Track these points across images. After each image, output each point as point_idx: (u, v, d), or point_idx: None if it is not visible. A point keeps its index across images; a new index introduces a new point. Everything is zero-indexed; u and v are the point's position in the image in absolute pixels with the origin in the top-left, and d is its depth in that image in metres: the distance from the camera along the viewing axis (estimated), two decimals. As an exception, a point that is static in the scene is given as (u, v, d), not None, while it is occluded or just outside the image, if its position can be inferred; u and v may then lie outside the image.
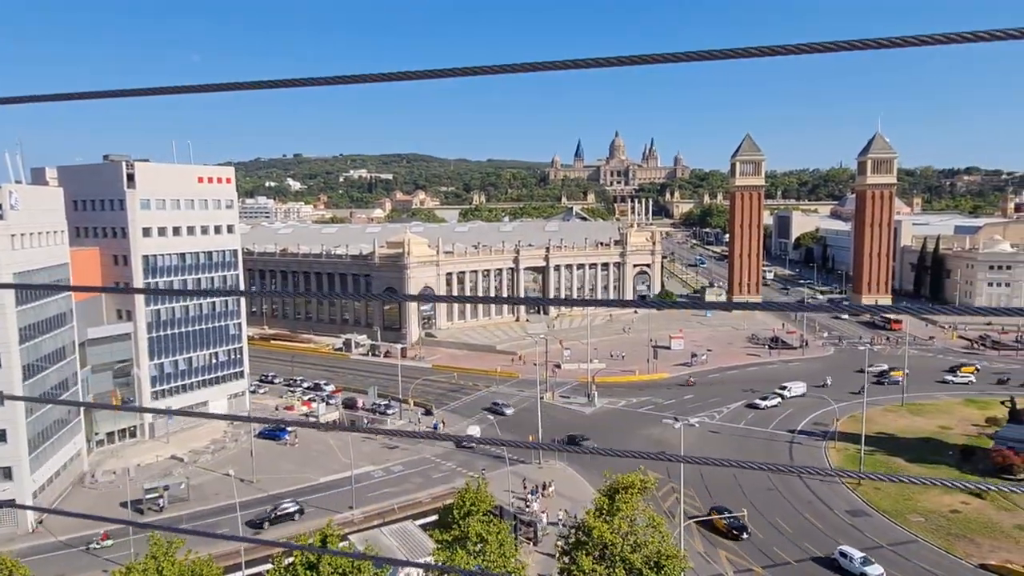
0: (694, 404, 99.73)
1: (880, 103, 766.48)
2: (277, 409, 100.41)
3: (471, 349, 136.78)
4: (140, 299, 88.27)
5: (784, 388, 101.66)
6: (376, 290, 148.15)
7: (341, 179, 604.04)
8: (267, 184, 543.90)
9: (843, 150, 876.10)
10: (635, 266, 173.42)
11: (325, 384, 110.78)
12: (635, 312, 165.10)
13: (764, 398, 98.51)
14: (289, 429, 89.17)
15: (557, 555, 51.22)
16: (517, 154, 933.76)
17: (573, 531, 48.52)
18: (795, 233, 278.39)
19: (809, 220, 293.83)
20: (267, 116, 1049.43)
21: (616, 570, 43.99)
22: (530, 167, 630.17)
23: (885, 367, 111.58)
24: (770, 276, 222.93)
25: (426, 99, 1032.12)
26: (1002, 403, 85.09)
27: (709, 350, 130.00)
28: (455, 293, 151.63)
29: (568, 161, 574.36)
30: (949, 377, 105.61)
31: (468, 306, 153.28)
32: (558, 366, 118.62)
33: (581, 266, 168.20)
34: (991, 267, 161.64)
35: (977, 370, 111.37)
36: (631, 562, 44.16)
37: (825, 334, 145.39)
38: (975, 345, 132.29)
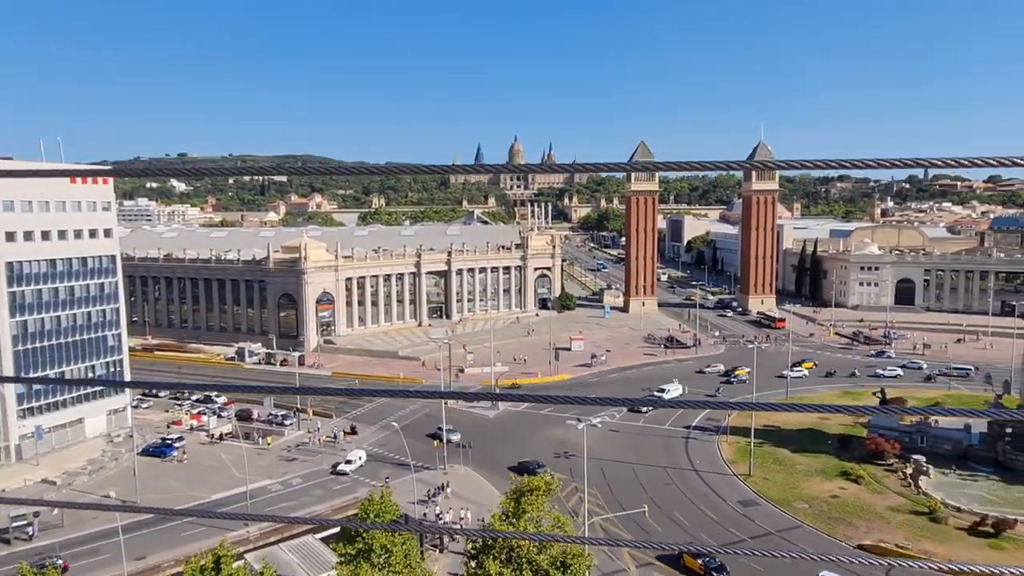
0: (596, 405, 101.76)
1: (763, 113, 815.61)
2: (170, 426, 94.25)
3: (372, 355, 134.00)
4: (3, 308, 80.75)
5: (662, 391, 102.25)
6: (271, 297, 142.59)
7: (231, 180, 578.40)
8: (149, 185, 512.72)
9: (730, 157, 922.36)
10: (536, 269, 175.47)
11: (217, 396, 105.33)
12: (536, 314, 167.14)
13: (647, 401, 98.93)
14: (176, 444, 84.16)
15: (464, 560, 50.78)
16: (417, 157, 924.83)
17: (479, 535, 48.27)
18: (687, 236, 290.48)
19: (700, 224, 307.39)
20: (147, 112, 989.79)
21: (523, 572, 44.05)
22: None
23: (721, 367, 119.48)
24: (664, 278, 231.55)
25: (323, 98, 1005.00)
26: (873, 394, 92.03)
27: (608, 350, 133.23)
28: (355, 299, 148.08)
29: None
30: (787, 372, 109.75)
31: (369, 311, 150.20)
32: (461, 370, 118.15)
33: (483, 270, 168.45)
34: (862, 268, 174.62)
35: (815, 365, 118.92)
36: (538, 563, 44.35)
37: (716, 333, 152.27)
38: (853, 341, 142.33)
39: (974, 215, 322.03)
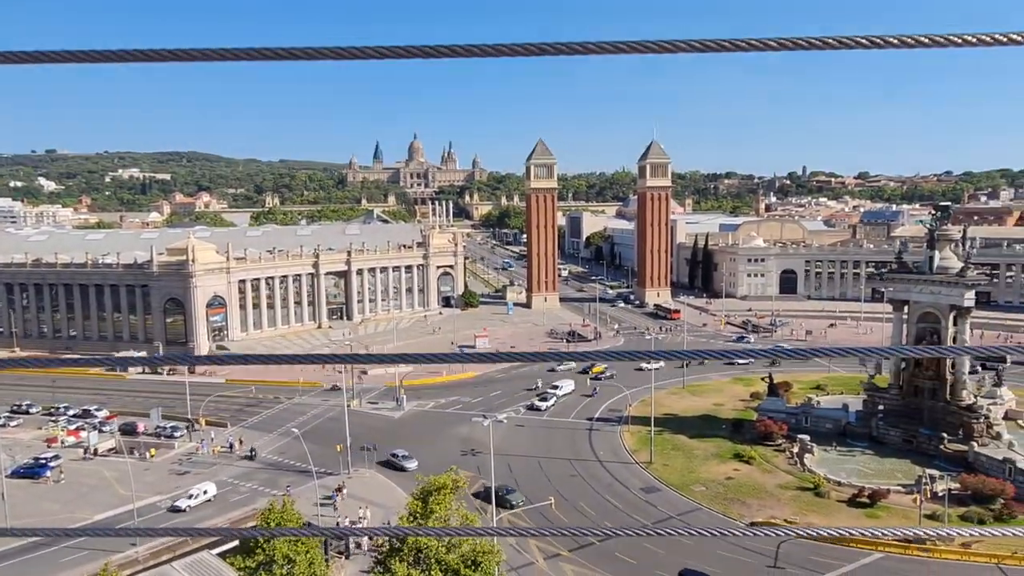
0: (501, 400, 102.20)
1: (655, 112, 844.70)
2: (49, 444, 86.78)
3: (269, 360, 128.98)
4: None
5: (556, 387, 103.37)
6: (156, 302, 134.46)
7: (107, 179, 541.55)
8: (12, 184, 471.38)
9: (625, 155, 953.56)
10: (439, 267, 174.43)
11: (96, 409, 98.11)
12: (440, 313, 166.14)
13: (543, 399, 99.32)
14: (52, 463, 77.77)
15: (371, 565, 49.64)
16: (312, 154, 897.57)
17: (386, 539, 47.39)
18: (586, 232, 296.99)
19: (598, 220, 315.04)
20: (6, 104, 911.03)
21: (432, 572, 43.50)
22: (327, 168, 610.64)
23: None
24: (565, 274, 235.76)
25: (207, 91, 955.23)
26: (762, 379, 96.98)
27: (512, 346, 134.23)
28: (250, 302, 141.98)
29: (367, 163, 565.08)
30: (644, 366, 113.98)
31: (265, 315, 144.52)
32: (364, 372, 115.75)
33: (384, 269, 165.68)
34: (749, 260, 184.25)
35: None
36: (447, 563, 43.93)
37: (616, 325, 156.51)
38: (746, 330, 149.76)
39: (847, 209, 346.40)
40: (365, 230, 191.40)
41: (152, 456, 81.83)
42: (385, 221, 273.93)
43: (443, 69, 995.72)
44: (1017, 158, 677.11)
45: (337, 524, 63.75)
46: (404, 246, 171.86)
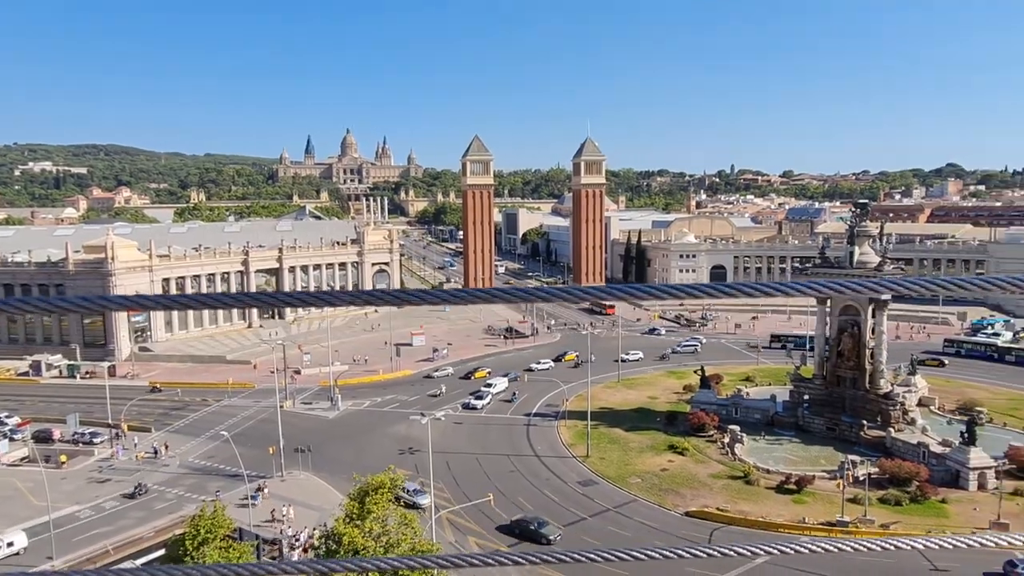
0: (439, 397, 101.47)
1: (589, 110, 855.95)
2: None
3: (197, 361, 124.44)
4: None
5: (490, 385, 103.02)
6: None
7: (17, 172, 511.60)
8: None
9: (561, 152, 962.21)
10: (374, 264, 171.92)
11: (7, 416, 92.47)
12: (376, 310, 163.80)
13: (479, 397, 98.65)
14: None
15: (306, 571, 48.35)
16: (240, 149, 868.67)
17: (323, 541, 46.35)
18: (522, 229, 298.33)
19: (534, 217, 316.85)
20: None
21: (370, 573, 42.72)
22: (256, 163, 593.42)
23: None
24: (502, 270, 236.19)
25: (125, 81, 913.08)
26: (695, 372, 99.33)
27: (450, 344, 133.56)
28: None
29: (298, 158, 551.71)
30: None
31: (191, 315, 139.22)
32: (298, 371, 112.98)
33: (318, 266, 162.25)
34: (681, 255, 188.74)
35: (577, 355, 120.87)
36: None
37: (552, 321, 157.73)
38: (680, 324, 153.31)
39: (773, 206, 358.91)
40: (297, 226, 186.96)
41: (64, 463, 77.67)
42: (318, 217, 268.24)
43: (376, 62, 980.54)
44: (928, 159, 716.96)
45: (281, 532, 62.09)
46: (338, 243, 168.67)
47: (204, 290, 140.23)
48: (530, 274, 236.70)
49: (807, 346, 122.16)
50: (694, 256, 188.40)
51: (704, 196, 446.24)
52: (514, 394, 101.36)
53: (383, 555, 43.50)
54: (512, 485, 71.74)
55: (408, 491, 64.92)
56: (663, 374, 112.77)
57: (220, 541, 45.78)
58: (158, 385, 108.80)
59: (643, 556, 3.57)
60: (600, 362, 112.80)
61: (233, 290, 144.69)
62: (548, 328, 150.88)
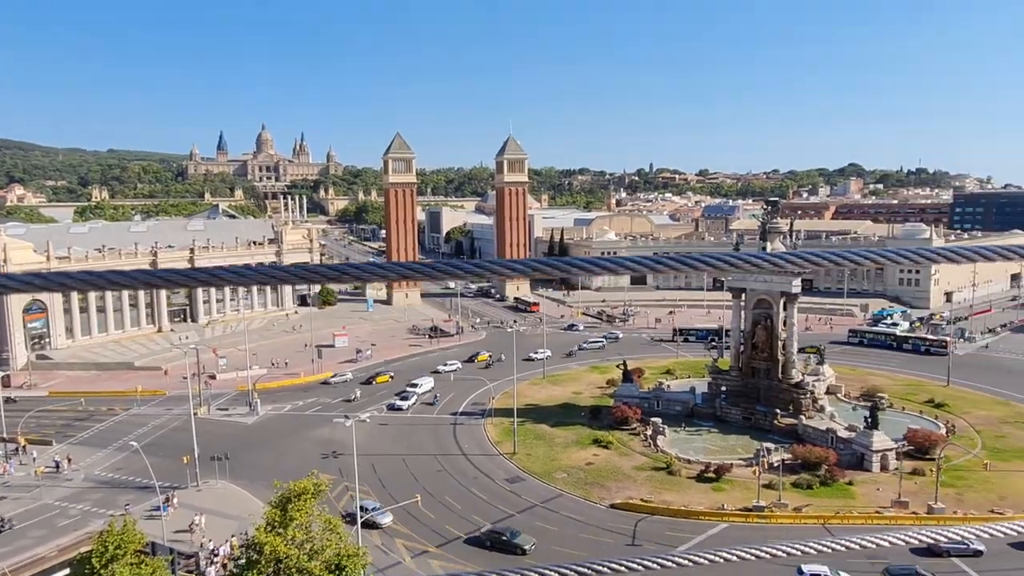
0: (363, 399, 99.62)
1: (510, 109, 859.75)
2: None
3: (102, 369, 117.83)
4: None
5: (415, 385, 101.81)
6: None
7: None
8: None
9: (483, 150, 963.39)
10: (293, 264, 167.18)
11: None
12: (296, 311, 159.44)
13: (404, 398, 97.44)
14: None
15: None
16: (147, 144, 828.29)
17: (243, 551, 44.72)
18: (446, 227, 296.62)
19: (457, 215, 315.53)
20: None
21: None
22: (164, 159, 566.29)
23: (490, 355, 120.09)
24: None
25: (14, 69, 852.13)
26: (617, 366, 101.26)
27: (373, 344, 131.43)
28: (76, 306, 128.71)
29: (210, 154, 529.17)
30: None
31: (95, 319, 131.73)
32: (213, 377, 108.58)
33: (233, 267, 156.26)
34: (602, 253, 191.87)
35: (489, 356, 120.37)
36: (310, 571, 42.06)
37: (478, 319, 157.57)
38: (602, 320, 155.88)
39: (689, 204, 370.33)
40: (210, 226, 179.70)
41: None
42: (232, 216, 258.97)
43: (293, 54, 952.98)
44: (832, 159, 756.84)
45: (202, 547, 59.39)
46: (254, 242, 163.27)
47: (109, 296, 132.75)
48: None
49: (708, 339, 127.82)
50: (615, 253, 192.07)
51: (624, 194, 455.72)
52: (436, 396, 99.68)
53: (307, 563, 42.29)
54: (439, 485, 71.22)
55: (367, 509, 61.38)
56: (587, 369, 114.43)
57: (131, 557, 43.45)
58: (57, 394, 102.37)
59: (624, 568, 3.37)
60: (510, 362, 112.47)
61: (141, 297, 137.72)
62: (473, 327, 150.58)
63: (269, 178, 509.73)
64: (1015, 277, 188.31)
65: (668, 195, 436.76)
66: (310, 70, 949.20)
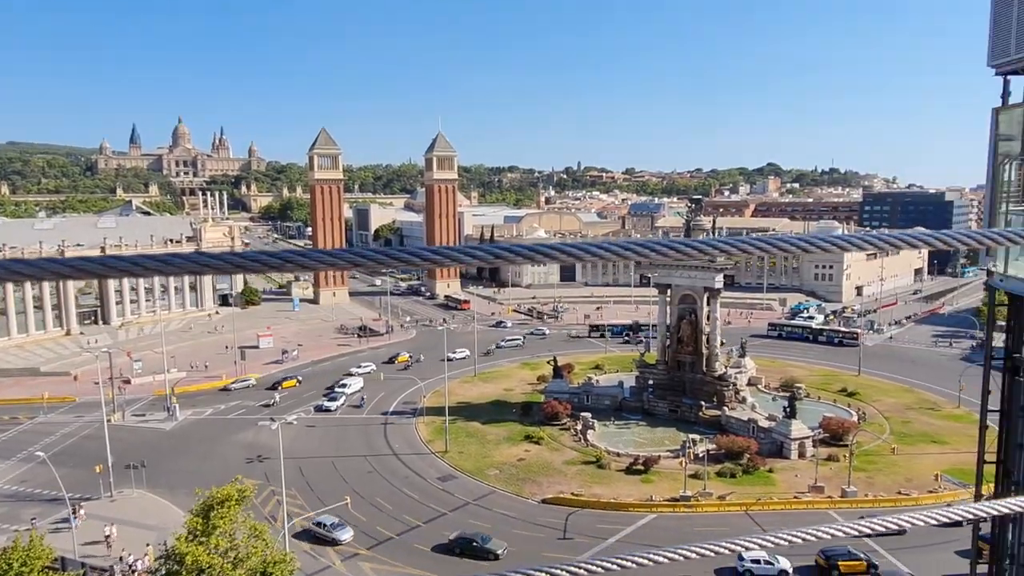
0: (290, 401, 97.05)
1: (439, 107, 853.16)
2: None
3: (4, 375, 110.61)
4: None
5: (344, 386, 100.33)
6: None
7: None
8: None
9: (412, 147, 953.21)
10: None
11: None
12: (216, 312, 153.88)
13: (332, 399, 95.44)
14: None
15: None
16: (51, 137, 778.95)
17: (161, 562, 42.75)
18: (374, 225, 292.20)
19: (386, 213, 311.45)
20: None
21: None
22: (71, 153, 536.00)
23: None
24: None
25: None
26: (548, 362, 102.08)
27: (300, 344, 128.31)
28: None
29: (122, 148, 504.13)
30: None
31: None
32: (127, 381, 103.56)
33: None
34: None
35: (410, 356, 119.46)
36: (235, 580, 40.59)
37: (407, 318, 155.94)
38: (533, 316, 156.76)
39: (616, 202, 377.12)
40: (122, 223, 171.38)
41: None
42: (147, 213, 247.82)
43: (211, 44, 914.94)
44: (751, 158, 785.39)
45: (121, 560, 56.30)
46: (171, 240, 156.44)
47: (11, 297, 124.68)
48: (384, 271, 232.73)
49: (623, 334, 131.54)
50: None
51: (553, 192, 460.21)
52: (362, 399, 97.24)
53: (231, 571, 40.81)
54: (370, 486, 70.11)
55: (325, 526, 59.18)
56: (518, 366, 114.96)
57: (38, 574, 40.92)
58: None
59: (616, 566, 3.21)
60: (429, 363, 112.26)
61: (47, 298, 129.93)
62: (403, 325, 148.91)
63: (187, 173, 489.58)
64: (918, 272, 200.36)
65: (596, 193, 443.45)
66: (230, 61, 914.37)
